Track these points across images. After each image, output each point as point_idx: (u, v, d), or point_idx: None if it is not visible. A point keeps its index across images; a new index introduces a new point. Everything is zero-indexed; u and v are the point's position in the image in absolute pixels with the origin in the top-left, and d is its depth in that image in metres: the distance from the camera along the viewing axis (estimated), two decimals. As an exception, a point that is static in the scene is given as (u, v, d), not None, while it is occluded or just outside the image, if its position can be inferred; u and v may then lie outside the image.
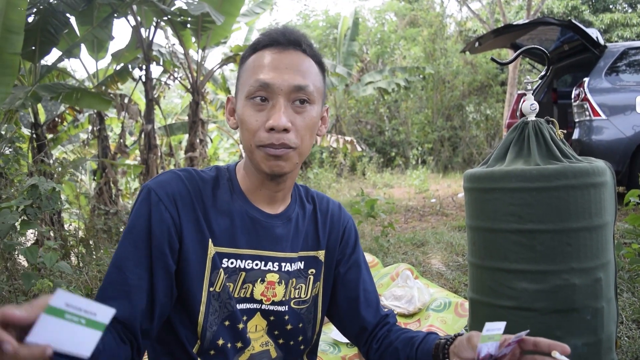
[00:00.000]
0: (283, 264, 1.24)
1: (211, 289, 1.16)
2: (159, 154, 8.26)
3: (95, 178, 7.96)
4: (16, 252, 3.12)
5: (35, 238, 4.72)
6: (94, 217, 6.28)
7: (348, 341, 2.49)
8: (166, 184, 1.15)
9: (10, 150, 4.20)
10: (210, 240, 1.16)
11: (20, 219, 2.66)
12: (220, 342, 1.17)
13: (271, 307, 1.23)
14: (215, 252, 1.16)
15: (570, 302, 1.76)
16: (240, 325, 1.19)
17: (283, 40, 1.14)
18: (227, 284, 1.18)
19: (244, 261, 1.19)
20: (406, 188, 11.11)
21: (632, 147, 5.21)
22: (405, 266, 3.27)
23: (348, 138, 12.04)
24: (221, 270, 1.17)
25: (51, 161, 6.68)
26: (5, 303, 2.78)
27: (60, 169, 5.43)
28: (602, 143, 5.39)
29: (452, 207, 7.61)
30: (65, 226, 6.05)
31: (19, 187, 3.51)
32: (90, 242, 4.98)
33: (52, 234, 4.80)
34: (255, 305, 1.22)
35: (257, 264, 1.21)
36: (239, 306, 1.20)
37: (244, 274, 1.20)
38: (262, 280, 1.21)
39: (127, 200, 8.97)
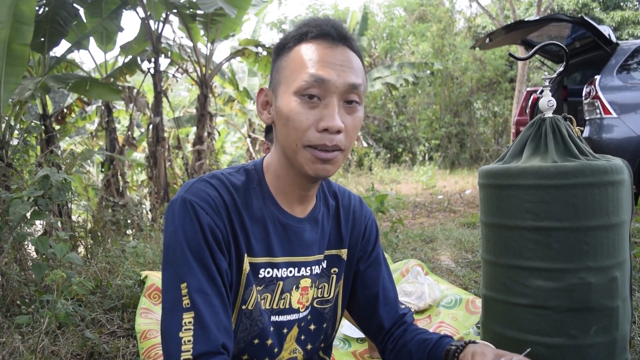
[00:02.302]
0: (313, 267, 1.20)
1: (243, 307, 1.11)
2: (167, 146, 8.27)
3: (103, 170, 7.97)
4: (26, 243, 3.12)
5: (43, 229, 4.73)
6: (102, 209, 6.30)
7: (358, 336, 2.49)
8: (205, 195, 1.06)
9: (19, 141, 4.21)
10: (245, 255, 1.10)
11: (31, 210, 2.66)
12: (245, 357, 1.15)
13: (303, 314, 1.20)
14: (249, 268, 1.11)
15: (585, 301, 1.75)
16: (270, 342, 1.15)
17: (334, 33, 1.06)
18: (264, 295, 1.13)
19: (280, 270, 1.15)
20: (413, 184, 11.11)
21: (642, 146, 5.15)
22: (415, 262, 3.26)
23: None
24: (253, 287, 1.11)
25: (59, 152, 6.70)
26: (16, 294, 2.79)
27: (69, 160, 5.44)
28: (613, 141, 5.34)
29: (459, 204, 7.60)
30: (73, 218, 6.06)
31: (29, 178, 3.51)
32: (99, 234, 4.99)
33: (60, 225, 4.81)
34: (294, 316, 1.18)
35: (291, 271, 1.16)
36: (279, 318, 1.16)
37: (281, 283, 1.15)
38: (297, 287, 1.18)
39: (134, 193, 8.99)
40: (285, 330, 1.18)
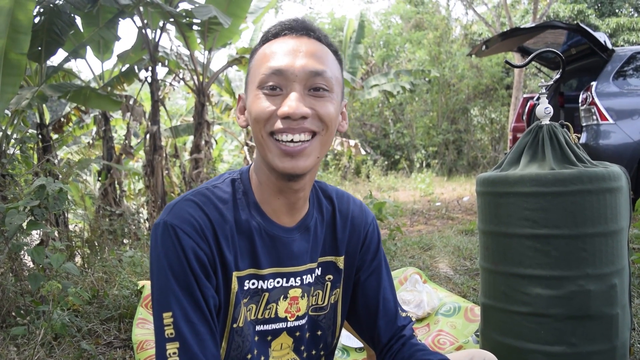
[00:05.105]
0: (304, 277, 1.17)
1: (234, 325, 1.10)
2: (164, 155, 8.25)
3: (100, 179, 7.95)
4: (22, 253, 3.10)
5: (40, 238, 4.70)
6: (99, 218, 6.27)
7: (357, 346, 2.47)
8: (188, 216, 1.03)
9: (16, 150, 4.20)
10: (233, 273, 1.08)
11: (27, 219, 2.65)
12: None
13: (296, 323, 1.18)
14: (237, 284, 1.09)
15: (585, 309, 1.74)
16: (256, 351, 1.14)
17: (296, 26, 1.08)
18: (250, 306, 1.12)
19: (265, 281, 1.13)
20: (411, 191, 11.10)
21: (639, 152, 5.17)
22: (414, 270, 3.24)
23: (352, 142, 12.03)
24: (242, 304, 1.10)
25: (56, 161, 6.68)
26: (12, 304, 2.77)
27: (66, 169, 5.42)
28: (610, 147, 5.34)
29: (457, 211, 7.58)
30: (70, 227, 6.04)
31: (26, 187, 3.50)
32: (96, 243, 4.96)
33: (57, 234, 4.79)
34: (281, 325, 1.16)
35: (278, 282, 1.14)
36: (264, 327, 1.14)
37: (267, 294, 1.13)
38: (285, 297, 1.15)
39: (132, 202, 8.97)
40: (269, 338, 1.16)
